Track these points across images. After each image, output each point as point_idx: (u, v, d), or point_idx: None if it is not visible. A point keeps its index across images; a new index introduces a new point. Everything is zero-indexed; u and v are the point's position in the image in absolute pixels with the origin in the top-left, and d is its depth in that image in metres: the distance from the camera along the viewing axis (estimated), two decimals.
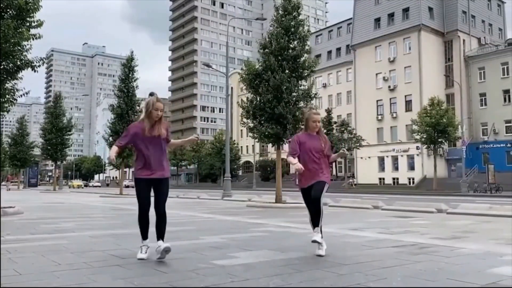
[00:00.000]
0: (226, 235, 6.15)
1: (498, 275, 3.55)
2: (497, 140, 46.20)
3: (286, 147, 15.15)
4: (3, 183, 37.63)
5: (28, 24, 10.40)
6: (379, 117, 52.60)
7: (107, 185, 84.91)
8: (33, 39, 10.45)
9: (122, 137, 4.33)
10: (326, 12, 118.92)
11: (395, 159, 51.21)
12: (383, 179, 51.81)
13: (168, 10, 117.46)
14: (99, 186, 78.92)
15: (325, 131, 54.47)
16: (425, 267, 3.88)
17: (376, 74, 53.12)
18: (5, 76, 10.44)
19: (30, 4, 10.18)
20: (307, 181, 4.56)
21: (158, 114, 4.21)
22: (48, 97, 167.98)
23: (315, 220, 4.51)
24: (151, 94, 4.32)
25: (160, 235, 4.16)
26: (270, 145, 15.91)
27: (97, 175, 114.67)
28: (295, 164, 4.47)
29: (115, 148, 4.29)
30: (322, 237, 4.46)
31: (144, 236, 4.25)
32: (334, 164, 57.87)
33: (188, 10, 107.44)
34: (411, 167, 49.33)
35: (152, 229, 4.20)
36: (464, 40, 50.44)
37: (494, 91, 46.92)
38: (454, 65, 49.99)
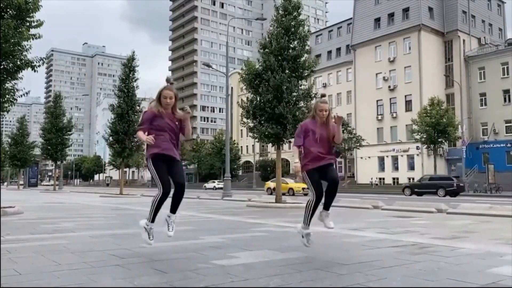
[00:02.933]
0: (226, 235, 6.15)
1: (498, 275, 3.55)
2: (497, 140, 46.22)
3: (286, 147, 15.19)
4: None
5: (28, 24, 10.40)
6: (379, 117, 52.61)
7: (107, 185, 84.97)
8: (33, 39, 10.45)
9: (141, 123, 4.37)
10: (326, 12, 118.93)
11: (395, 159, 51.24)
12: (383, 179, 51.84)
13: (168, 10, 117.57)
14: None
15: None
16: (425, 267, 3.88)
17: (376, 74, 53.15)
18: (5, 76, 10.44)
19: (30, 4, 10.18)
20: (314, 163, 4.46)
21: (167, 101, 4.24)
22: (48, 97, 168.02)
23: (330, 201, 4.57)
24: (167, 80, 4.38)
25: (175, 208, 4.40)
26: (270, 145, 15.91)
27: (97, 175, 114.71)
28: (297, 165, 4.52)
29: (140, 133, 4.33)
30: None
31: (154, 219, 4.36)
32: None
33: (188, 10, 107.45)
34: (411, 167, 49.34)
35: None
36: (464, 40, 50.46)
37: (494, 91, 46.94)
38: (454, 65, 50.01)
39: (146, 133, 4.28)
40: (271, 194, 28.04)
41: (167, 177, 4.21)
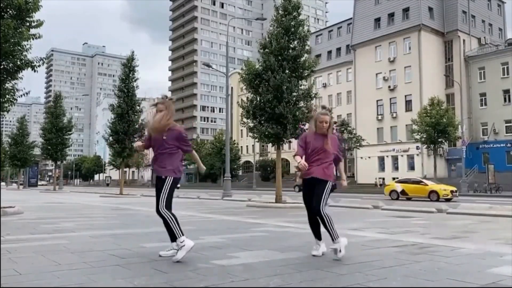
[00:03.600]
0: (226, 235, 6.15)
1: (498, 275, 3.55)
2: (497, 140, 46.20)
3: (286, 147, 15.22)
4: None
5: (28, 24, 10.41)
6: (379, 117, 52.59)
7: (107, 185, 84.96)
8: (33, 39, 10.46)
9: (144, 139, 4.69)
10: (326, 12, 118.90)
11: (395, 159, 51.21)
12: (383, 179, 51.78)
13: (168, 10, 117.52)
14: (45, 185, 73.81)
15: None
16: (425, 267, 3.88)
17: (376, 74, 53.12)
18: (5, 76, 10.44)
19: (30, 4, 10.18)
20: (308, 172, 4.40)
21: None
22: (48, 97, 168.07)
23: (325, 228, 4.31)
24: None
25: (170, 237, 4.28)
26: (270, 145, 15.92)
27: (97, 175, 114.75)
28: (300, 162, 4.34)
29: (139, 143, 4.69)
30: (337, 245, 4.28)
31: (177, 235, 4.20)
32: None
33: (188, 10, 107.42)
34: (411, 167, 49.31)
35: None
36: (464, 40, 50.44)
37: (494, 91, 46.93)
38: (454, 65, 49.99)
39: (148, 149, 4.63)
40: (397, 198, 22.72)
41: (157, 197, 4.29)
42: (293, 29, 14.68)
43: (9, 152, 44.45)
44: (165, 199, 4.17)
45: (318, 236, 4.49)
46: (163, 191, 4.18)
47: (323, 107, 4.65)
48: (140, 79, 25.56)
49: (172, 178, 4.24)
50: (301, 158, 4.42)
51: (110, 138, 24.52)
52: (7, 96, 10.71)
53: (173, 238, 4.22)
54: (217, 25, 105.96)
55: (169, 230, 4.21)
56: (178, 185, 4.62)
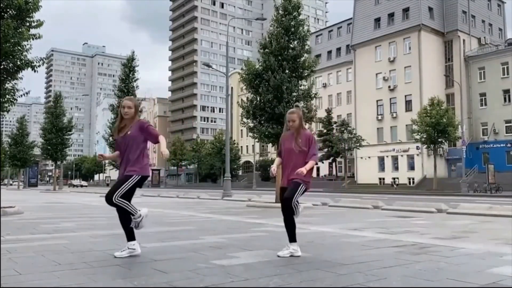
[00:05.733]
0: (226, 235, 6.15)
1: (498, 275, 3.55)
2: (497, 140, 46.21)
3: None
4: None
5: (28, 24, 10.42)
6: (379, 117, 52.59)
7: (107, 185, 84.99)
8: (33, 39, 10.46)
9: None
10: (326, 12, 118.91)
11: (395, 159, 51.20)
12: (383, 179, 51.82)
13: (168, 10, 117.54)
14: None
15: (324, 131, 54.49)
16: (425, 267, 3.88)
17: (376, 74, 53.12)
18: (5, 76, 10.45)
19: (30, 4, 10.19)
20: (283, 180, 4.46)
21: (125, 111, 4.28)
22: (48, 97, 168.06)
23: (289, 232, 4.37)
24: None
25: (126, 236, 4.33)
26: (270, 145, 15.93)
27: (97, 175, 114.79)
28: (271, 168, 4.59)
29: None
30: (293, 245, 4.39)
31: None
32: (334, 163, 57.97)
33: (188, 10, 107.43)
34: (411, 167, 49.30)
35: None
36: (464, 40, 50.44)
37: (494, 91, 46.93)
38: (454, 65, 49.98)
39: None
40: None
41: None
42: (293, 29, 14.69)
43: (9, 152, 44.48)
44: (122, 193, 4.11)
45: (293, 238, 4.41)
46: (124, 184, 4.11)
47: (296, 106, 4.75)
48: (140, 79, 25.63)
49: (139, 176, 4.19)
50: (279, 160, 4.59)
51: (110, 138, 24.57)
52: (7, 96, 10.72)
53: (130, 237, 4.28)
54: (217, 25, 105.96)
55: (125, 220, 4.22)
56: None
